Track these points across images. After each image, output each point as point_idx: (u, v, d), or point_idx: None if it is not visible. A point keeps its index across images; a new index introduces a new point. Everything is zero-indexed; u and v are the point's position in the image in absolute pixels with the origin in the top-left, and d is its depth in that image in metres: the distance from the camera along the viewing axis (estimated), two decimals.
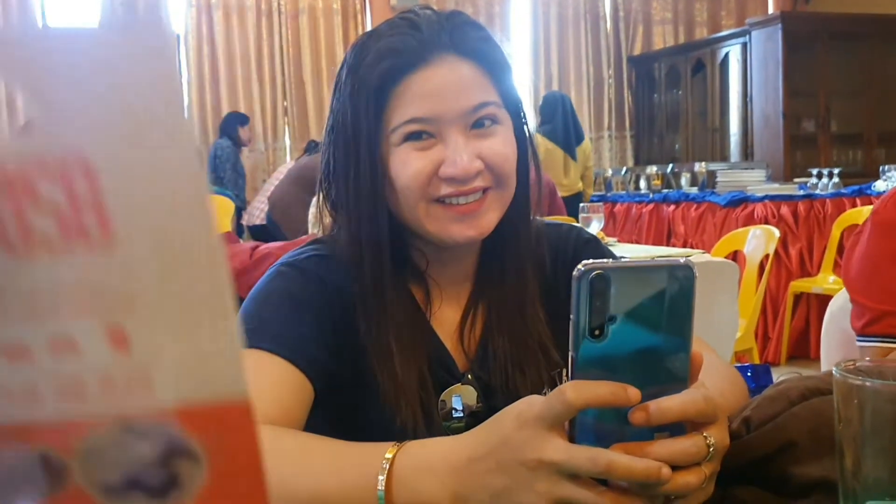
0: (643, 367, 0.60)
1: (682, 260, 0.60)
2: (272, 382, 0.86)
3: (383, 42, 0.93)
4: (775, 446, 0.68)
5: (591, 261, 0.59)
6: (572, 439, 0.61)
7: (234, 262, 1.92)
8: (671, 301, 0.59)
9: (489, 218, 0.95)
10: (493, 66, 0.96)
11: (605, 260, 0.59)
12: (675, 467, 0.60)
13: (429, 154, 0.93)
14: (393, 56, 0.92)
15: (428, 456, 0.67)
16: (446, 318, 1.03)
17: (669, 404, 0.60)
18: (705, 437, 0.62)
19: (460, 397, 1.00)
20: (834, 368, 0.58)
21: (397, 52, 0.92)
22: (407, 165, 0.93)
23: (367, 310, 0.95)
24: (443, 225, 0.94)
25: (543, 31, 8.14)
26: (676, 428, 0.62)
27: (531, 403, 0.62)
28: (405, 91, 0.92)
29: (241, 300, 2.23)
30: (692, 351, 0.62)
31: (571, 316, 0.59)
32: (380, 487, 0.66)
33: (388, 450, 0.68)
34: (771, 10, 8.58)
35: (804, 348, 4.56)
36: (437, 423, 0.96)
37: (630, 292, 0.59)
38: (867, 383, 0.56)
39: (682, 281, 0.59)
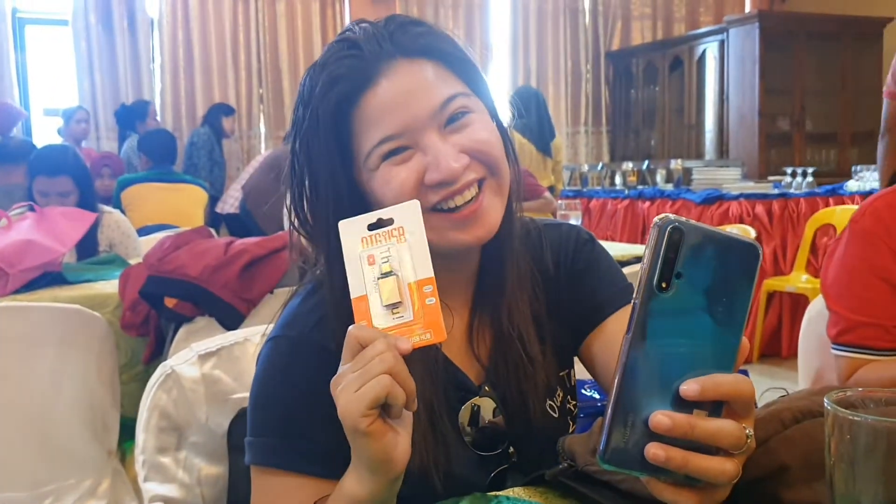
0: (697, 338, 0.60)
1: (750, 239, 0.60)
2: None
3: (327, 71, 0.89)
4: (767, 470, 0.67)
5: (670, 214, 0.60)
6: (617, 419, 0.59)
7: (209, 257, 1.88)
8: (733, 275, 0.60)
9: (492, 214, 0.91)
10: (447, 57, 0.91)
11: (682, 217, 0.60)
12: (705, 450, 0.58)
13: (410, 165, 0.88)
14: (340, 83, 0.88)
15: None
16: (453, 334, 0.97)
17: (722, 380, 0.58)
18: (744, 427, 0.59)
19: (479, 409, 0.97)
20: (826, 399, 0.57)
21: (343, 78, 0.88)
22: (391, 182, 0.88)
23: None
24: (445, 234, 0.90)
25: (522, 25, 8.11)
26: (714, 410, 0.60)
27: None
28: (365, 113, 0.88)
29: (215, 297, 2.14)
30: (741, 341, 0.60)
31: (643, 264, 0.59)
32: None
33: None
34: (748, 9, 8.63)
35: (776, 346, 4.60)
36: (451, 440, 0.94)
37: (699, 252, 0.59)
38: (858, 419, 0.55)
39: (747, 259, 0.60)
